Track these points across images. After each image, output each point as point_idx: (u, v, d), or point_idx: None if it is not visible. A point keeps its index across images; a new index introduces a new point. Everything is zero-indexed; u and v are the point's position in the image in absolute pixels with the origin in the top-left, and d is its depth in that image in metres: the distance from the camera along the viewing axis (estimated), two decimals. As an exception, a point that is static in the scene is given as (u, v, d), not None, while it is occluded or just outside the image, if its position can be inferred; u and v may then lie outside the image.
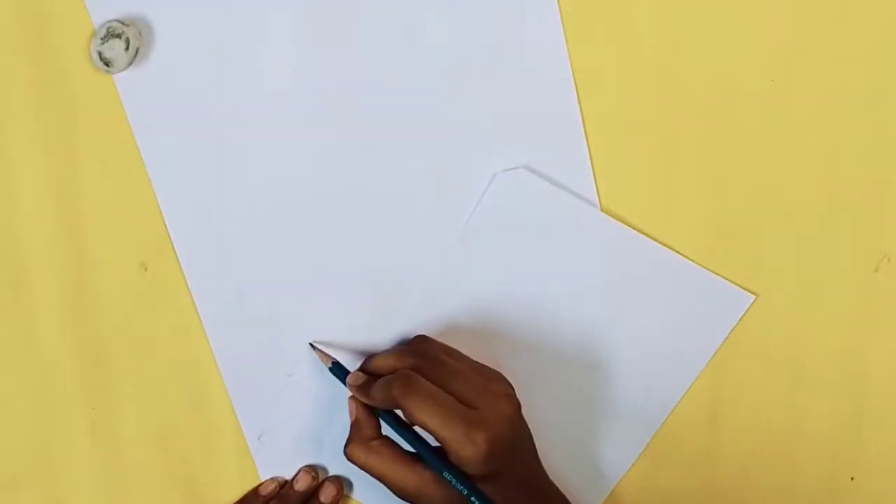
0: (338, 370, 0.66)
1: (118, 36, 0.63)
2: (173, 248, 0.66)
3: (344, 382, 0.65)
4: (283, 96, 0.66)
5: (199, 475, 0.68)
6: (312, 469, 0.69)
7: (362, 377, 0.64)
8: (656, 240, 0.68)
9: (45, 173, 0.65)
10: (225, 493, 0.69)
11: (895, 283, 0.69)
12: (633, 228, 0.68)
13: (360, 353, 0.68)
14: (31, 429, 0.67)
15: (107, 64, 0.63)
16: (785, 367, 0.69)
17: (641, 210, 0.68)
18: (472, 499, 0.61)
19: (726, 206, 0.68)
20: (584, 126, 0.67)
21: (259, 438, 0.68)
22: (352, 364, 0.66)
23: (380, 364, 0.65)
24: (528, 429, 0.64)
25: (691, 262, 0.68)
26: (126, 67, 0.63)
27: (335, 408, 0.68)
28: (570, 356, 0.68)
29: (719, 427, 0.70)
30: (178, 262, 0.66)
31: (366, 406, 0.64)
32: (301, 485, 0.68)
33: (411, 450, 0.63)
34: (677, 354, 0.69)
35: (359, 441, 0.63)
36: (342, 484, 0.69)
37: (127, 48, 0.63)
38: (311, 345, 0.67)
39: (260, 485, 0.69)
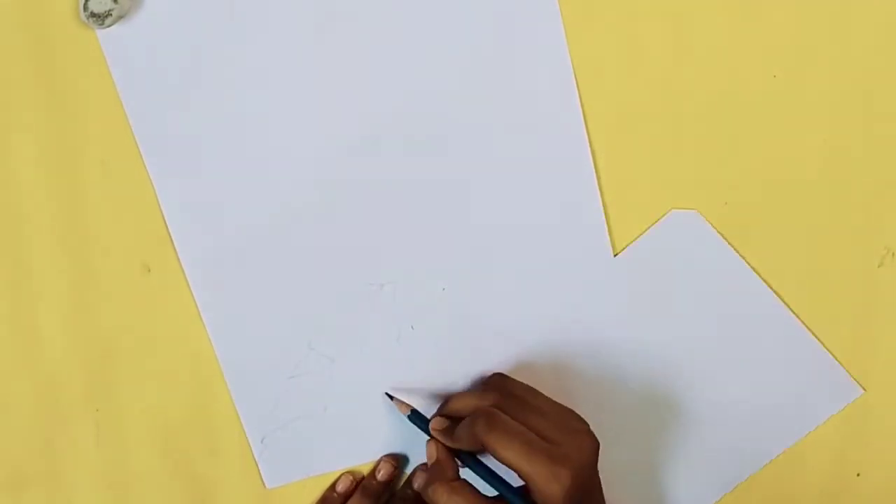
0: (416, 418, 0.66)
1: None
2: (175, 250, 0.66)
3: (422, 428, 0.65)
4: (284, 95, 0.66)
5: (202, 477, 0.68)
6: (393, 458, 0.69)
7: (445, 422, 0.65)
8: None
9: (46, 176, 0.65)
10: (229, 494, 0.68)
11: (899, 279, 0.69)
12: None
13: (434, 396, 0.68)
14: (36, 430, 0.67)
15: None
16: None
17: (642, 208, 0.68)
18: None
19: (729, 201, 0.68)
20: (586, 125, 0.67)
21: (262, 441, 0.68)
22: (427, 408, 0.67)
23: (459, 405, 0.65)
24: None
25: (817, 342, 0.68)
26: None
27: (337, 409, 0.68)
28: (658, 401, 0.65)
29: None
30: (181, 264, 0.66)
31: (446, 448, 0.64)
32: (384, 475, 0.68)
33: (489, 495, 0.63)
34: (771, 426, 0.69)
35: (441, 482, 0.63)
36: (398, 461, 0.69)
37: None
38: (387, 394, 0.68)
39: (336, 481, 0.69)
